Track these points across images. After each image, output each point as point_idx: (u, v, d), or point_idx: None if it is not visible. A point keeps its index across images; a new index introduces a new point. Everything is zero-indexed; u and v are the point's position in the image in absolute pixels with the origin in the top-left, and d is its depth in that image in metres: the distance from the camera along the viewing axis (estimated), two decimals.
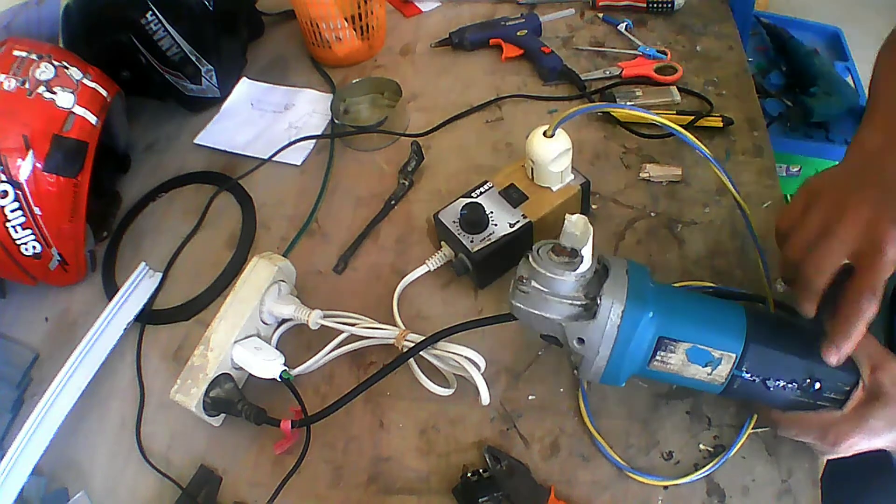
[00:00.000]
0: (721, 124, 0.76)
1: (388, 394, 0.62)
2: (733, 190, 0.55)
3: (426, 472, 0.57)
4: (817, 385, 0.47)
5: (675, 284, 0.64)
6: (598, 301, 0.46)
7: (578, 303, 0.47)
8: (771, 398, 0.48)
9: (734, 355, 0.46)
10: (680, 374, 0.48)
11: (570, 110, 0.58)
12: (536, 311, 0.48)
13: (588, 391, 0.59)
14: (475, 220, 0.63)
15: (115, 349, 0.66)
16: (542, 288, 0.48)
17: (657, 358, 0.48)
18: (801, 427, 0.49)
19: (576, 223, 0.47)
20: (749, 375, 0.47)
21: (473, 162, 0.79)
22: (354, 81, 0.88)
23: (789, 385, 0.47)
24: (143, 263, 0.73)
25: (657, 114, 0.56)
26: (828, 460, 0.68)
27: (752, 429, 0.54)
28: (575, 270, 0.47)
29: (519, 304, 0.49)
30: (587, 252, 0.47)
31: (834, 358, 0.45)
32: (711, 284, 0.63)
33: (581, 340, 0.47)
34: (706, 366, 0.47)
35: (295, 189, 0.81)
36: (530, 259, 0.48)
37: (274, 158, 0.83)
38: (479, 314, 0.66)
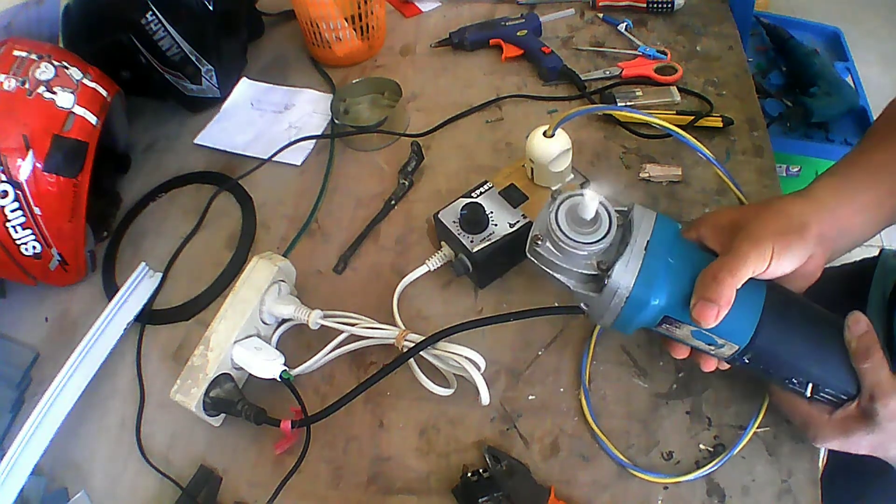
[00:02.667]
0: (721, 124, 0.76)
1: (388, 394, 0.62)
2: (737, 191, 0.55)
3: (426, 472, 0.57)
4: (815, 386, 0.47)
5: None
6: (606, 281, 0.45)
7: (589, 272, 0.47)
8: (769, 381, 0.49)
9: (738, 346, 0.46)
10: (684, 342, 0.49)
11: (570, 111, 0.58)
12: (549, 271, 0.48)
13: (589, 391, 0.59)
14: (475, 220, 0.63)
15: (115, 349, 0.66)
16: (555, 251, 0.47)
17: (662, 327, 0.48)
18: (790, 411, 0.50)
19: (595, 197, 0.45)
20: (750, 363, 0.47)
21: (473, 162, 0.79)
22: (354, 81, 0.88)
23: (787, 379, 0.47)
24: (143, 263, 0.73)
25: (656, 115, 0.56)
26: (828, 460, 0.68)
27: (756, 429, 0.54)
28: (590, 244, 0.46)
29: (533, 259, 0.49)
30: (603, 223, 0.47)
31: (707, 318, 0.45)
32: None
33: (587, 305, 0.47)
34: (709, 345, 0.47)
35: (295, 189, 0.81)
36: (549, 221, 0.47)
37: (274, 158, 0.83)
38: (479, 314, 0.66)
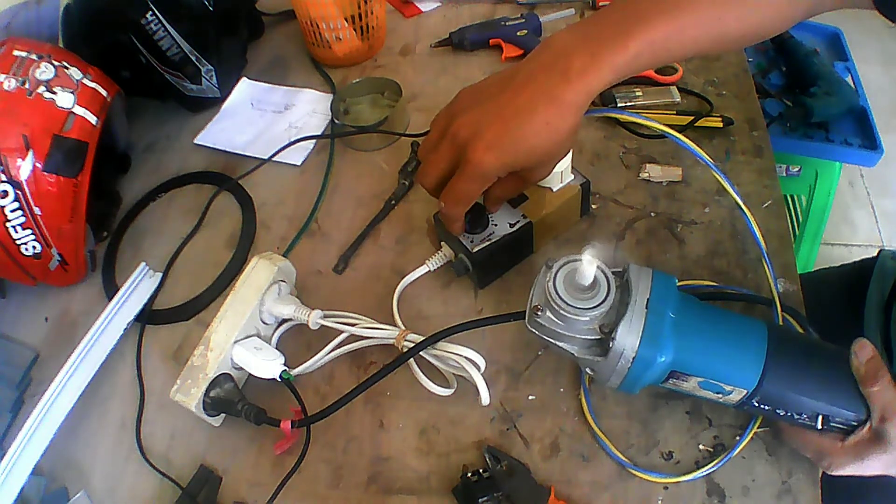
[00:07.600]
0: (721, 124, 0.76)
1: (388, 394, 0.62)
2: (734, 195, 0.55)
3: (426, 472, 0.57)
4: (825, 417, 0.47)
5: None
6: (611, 344, 0.45)
7: (592, 337, 0.47)
8: (780, 420, 0.49)
9: (745, 391, 0.47)
10: (692, 394, 0.49)
11: None
12: (551, 341, 0.48)
13: (589, 391, 0.59)
14: (475, 220, 0.63)
15: (115, 349, 0.66)
16: (556, 320, 0.47)
17: (669, 382, 0.48)
18: (802, 443, 0.50)
19: (592, 262, 0.45)
20: (759, 405, 0.48)
21: None
22: (354, 81, 0.88)
23: (797, 415, 0.48)
24: (143, 263, 0.73)
25: (656, 115, 0.56)
26: None
27: (756, 429, 0.55)
28: (591, 309, 0.46)
29: (533, 330, 0.49)
30: (602, 286, 0.47)
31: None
32: (712, 283, 0.63)
33: (593, 370, 0.48)
34: (717, 394, 0.48)
35: (295, 189, 0.81)
36: (547, 290, 0.47)
37: (274, 158, 0.83)
38: (479, 314, 0.66)
